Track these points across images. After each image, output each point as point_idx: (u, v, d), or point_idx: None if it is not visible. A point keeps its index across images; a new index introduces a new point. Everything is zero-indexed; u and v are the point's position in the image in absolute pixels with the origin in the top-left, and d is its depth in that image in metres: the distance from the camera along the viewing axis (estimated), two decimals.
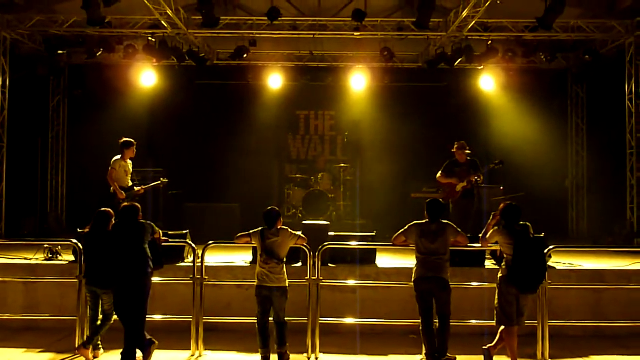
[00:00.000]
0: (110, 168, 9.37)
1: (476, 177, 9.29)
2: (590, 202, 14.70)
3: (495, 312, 6.37)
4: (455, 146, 9.59)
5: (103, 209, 6.82)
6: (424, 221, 6.61)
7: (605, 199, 13.67)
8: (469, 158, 9.53)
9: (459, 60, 12.94)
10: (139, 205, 6.60)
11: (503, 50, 12.93)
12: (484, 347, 6.45)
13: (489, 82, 13.87)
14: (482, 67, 13.69)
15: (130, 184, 9.56)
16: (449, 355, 6.46)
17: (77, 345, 6.72)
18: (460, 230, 6.70)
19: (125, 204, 6.69)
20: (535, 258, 6.21)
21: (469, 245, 6.98)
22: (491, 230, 6.51)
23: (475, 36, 12.60)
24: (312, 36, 12.93)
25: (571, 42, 13.01)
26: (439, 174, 9.57)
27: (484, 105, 14.55)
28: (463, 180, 9.37)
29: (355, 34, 12.70)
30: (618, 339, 7.57)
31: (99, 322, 6.67)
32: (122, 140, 9.55)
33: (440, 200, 6.77)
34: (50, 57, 13.37)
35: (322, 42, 13.63)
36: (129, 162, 9.61)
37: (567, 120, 15.24)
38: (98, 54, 13.02)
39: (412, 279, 6.58)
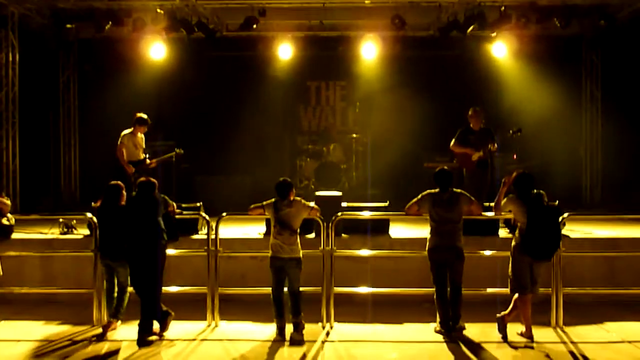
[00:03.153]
0: (119, 142, 9.38)
1: (492, 147, 9.10)
2: (605, 169, 14.55)
3: (509, 281, 6.38)
4: (470, 112, 9.31)
5: (113, 182, 6.88)
6: (436, 190, 6.60)
7: (620, 166, 13.55)
8: (482, 126, 9.34)
9: (472, 27, 12.71)
10: (155, 182, 6.64)
11: (516, 16, 12.66)
12: (497, 315, 6.48)
13: (502, 49, 13.64)
14: (495, 34, 13.46)
15: (142, 157, 9.58)
16: (460, 323, 6.50)
17: (95, 316, 6.85)
18: (474, 199, 6.69)
19: (142, 179, 6.72)
20: (549, 226, 6.19)
21: (482, 213, 6.97)
22: (505, 199, 6.48)
23: (488, 2, 12.35)
24: (322, 5, 12.74)
25: (586, 7, 12.73)
26: (452, 143, 9.33)
27: (497, 72, 14.35)
28: (479, 149, 9.09)
29: (366, 1, 12.51)
30: (632, 305, 7.59)
31: (115, 294, 6.77)
32: (137, 116, 9.53)
33: (445, 168, 6.71)
34: (58, 31, 13.31)
35: (332, 11, 13.41)
36: (140, 136, 9.61)
37: (581, 87, 14.99)
38: (107, 28, 12.89)
39: (426, 248, 6.59)
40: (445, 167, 6.74)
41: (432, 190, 6.63)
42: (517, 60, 13.98)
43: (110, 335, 6.67)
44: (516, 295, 6.34)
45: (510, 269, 6.36)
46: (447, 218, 6.45)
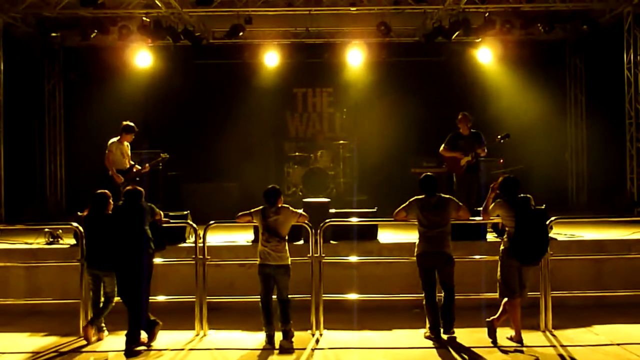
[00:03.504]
0: (107, 151, 9.32)
1: (481, 151, 9.14)
2: (590, 172, 14.69)
3: (497, 285, 6.39)
4: (459, 117, 9.34)
5: (99, 191, 6.82)
6: (423, 196, 6.60)
7: (605, 169, 13.67)
8: (472, 130, 9.37)
9: (457, 33, 12.81)
10: (142, 190, 6.61)
11: (501, 22, 12.77)
12: (487, 320, 6.49)
13: (486, 55, 13.75)
14: (479, 39, 13.56)
15: (128, 165, 9.53)
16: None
17: (82, 327, 6.78)
18: (462, 204, 6.69)
19: (129, 187, 6.69)
20: (537, 230, 6.22)
21: (470, 218, 6.98)
22: (492, 204, 6.50)
23: (472, 8, 12.45)
24: (307, 12, 12.78)
25: (569, 12, 12.85)
26: (442, 148, 9.36)
27: (482, 78, 14.46)
28: (467, 154, 9.14)
29: (352, 9, 12.55)
30: (619, 307, 7.61)
31: (101, 305, 6.71)
32: (124, 124, 9.48)
33: (430, 173, 6.71)
34: (44, 39, 13.23)
35: (318, 18, 13.47)
36: (127, 144, 9.56)
37: (566, 91, 15.17)
38: (92, 36, 12.86)
39: (415, 254, 6.59)
40: (430, 173, 6.74)
41: (419, 196, 6.63)
42: (502, 65, 14.11)
43: (97, 346, 6.60)
44: (505, 299, 6.35)
45: (499, 274, 6.38)
46: (436, 222, 6.45)
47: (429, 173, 6.74)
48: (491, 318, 6.46)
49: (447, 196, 6.66)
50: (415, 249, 6.60)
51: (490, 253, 7.28)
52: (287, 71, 14.74)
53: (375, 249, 8.18)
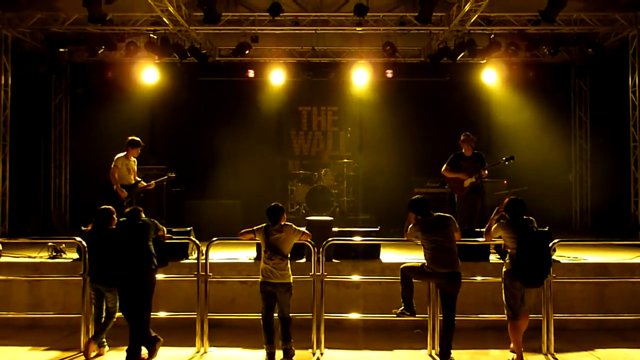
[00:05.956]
0: (112, 165, 9.37)
1: (483, 172, 9.13)
2: (594, 195, 14.66)
3: (504, 308, 6.30)
4: (462, 138, 9.34)
5: (103, 206, 6.84)
6: (419, 217, 6.55)
7: (609, 192, 13.63)
8: (475, 151, 9.39)
9: (462, 54, 12.90)
10: (140, 208, 6.64)
11: (506, 44, 12.87)
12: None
13: (491, 76, 13.83)
14: (484, 61, 13.65)
15: (134, 181, 9.57)
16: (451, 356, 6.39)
17: (83, 342, 6.76)
18: (457, 225, 6.62)
19: (128, 208, 6.73)
20: (539, 252, 6.18)
21: (472, 239, 6.95)
22: (494, 225, 6.48)
23: (477, 30, 12.55)
24: (314, 32, 12.90)
25: (574, 35, 12.94)
26: (444, 168, 9.34)
27: (487, 99, 14.54)
28: (471, 175, 9.14)
29: (357, 28, 12.66)
30: (622, 332, 7.57)
31: (102, 320, 6.70)
32: (129, 138, 9.55)
33: (419, 196, 6.69)
34: (51, 55, 13.37)
35: (324, 38, 13.60)
36: (133, 159, 9.61)
37: (571, 114, 15.20)
38: (99, 52, 13.02)
39: (426, 267, 6.44)
40: (419, 196, 6.72)
41: (419, 217, 6.56)
42: (507, 87, 14.18)
43: None
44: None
45: (503, 296, 6.31)
46: (439, 241, 6.36)
47: (417, 196, 6.72)
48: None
49: (448, 215, 6.62)
50: (426, 267, 6.47)
51: (493, 274, 7.26)
52: (293, 89, 14.85)
53: (377, 269, 8.15)
